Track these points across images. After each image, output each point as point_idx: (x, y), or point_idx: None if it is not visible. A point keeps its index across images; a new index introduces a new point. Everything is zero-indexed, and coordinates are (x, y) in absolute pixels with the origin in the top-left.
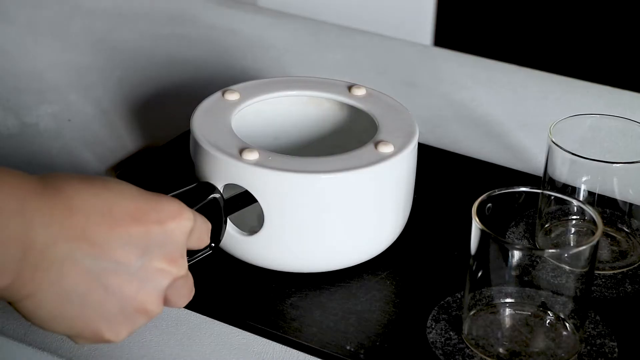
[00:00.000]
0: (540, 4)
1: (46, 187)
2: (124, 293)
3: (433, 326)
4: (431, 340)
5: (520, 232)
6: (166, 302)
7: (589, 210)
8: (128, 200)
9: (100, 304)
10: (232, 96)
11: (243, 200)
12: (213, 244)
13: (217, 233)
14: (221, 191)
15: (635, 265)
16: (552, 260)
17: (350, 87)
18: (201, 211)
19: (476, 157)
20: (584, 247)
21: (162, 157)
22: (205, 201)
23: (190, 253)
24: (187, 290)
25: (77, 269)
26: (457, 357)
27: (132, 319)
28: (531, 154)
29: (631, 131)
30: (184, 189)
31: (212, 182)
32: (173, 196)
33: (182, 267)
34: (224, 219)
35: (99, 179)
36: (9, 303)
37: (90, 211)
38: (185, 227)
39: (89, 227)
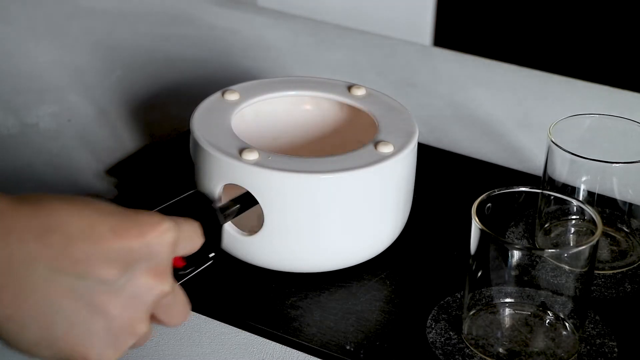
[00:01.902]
0: (540, 4)
1: (22, 204)
2: (109, 311)
3: (433, 326)
4: (431, 340)
5: (520, 232)
6: (157, 321)
7: (589, 210)
8: (108, 216)
9: (86, 324)
10: (232, 96)
11: (241, 203)
12: (213, 254)
13: (215, 242)
14: (216, 195)
15: (635, 265)
16: (551, 260)
17: (350, 87)
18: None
19: (476, 157)
20: (583, 247)
21: (162, 157)
22: (199, 211)
23: (191, 264)
24: (179, 308)
25: (60, 288)
26: (456, 357)
27: (119, 339)
28: (531, 154)
29: (631, 131)
30: (175, 199)
31: (212, 182)
32: (164, 207)
33: (167, 281)
34: (221, 225)
35: (78, 197)
36: None
37: (71, 228)
38: (168, 238)
39: (70, 244)
